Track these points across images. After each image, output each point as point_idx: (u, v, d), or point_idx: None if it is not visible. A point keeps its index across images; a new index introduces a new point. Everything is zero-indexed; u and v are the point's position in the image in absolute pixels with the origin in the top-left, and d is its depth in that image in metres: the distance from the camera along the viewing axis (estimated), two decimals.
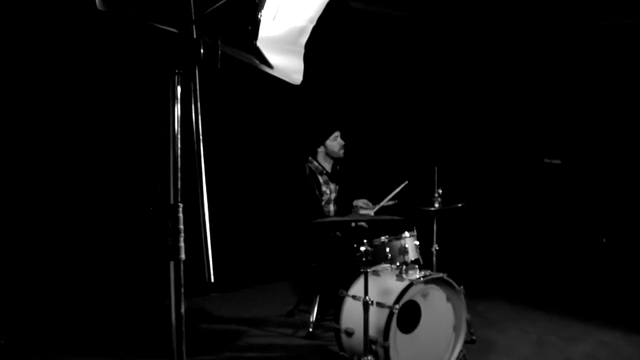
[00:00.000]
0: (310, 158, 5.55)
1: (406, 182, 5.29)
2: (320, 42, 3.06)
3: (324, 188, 5.50)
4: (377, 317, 4.09)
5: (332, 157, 5.54)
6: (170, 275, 1.99)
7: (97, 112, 5.51)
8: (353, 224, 4.46)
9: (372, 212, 5.40)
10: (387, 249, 4.53)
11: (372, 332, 4.05)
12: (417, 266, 4.48)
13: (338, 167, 5.67)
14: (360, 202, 5.50)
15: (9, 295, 5.10)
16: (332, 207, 5.59)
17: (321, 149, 5.51)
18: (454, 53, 8.03)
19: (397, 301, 4.04)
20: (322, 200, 5.48)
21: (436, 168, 5.12)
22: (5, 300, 5.07)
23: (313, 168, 5.51)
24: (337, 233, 5.40)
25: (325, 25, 2.71)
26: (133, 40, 5.17)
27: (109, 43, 5.36)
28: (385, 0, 7.16)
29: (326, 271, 5.36)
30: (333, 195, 5.59)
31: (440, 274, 4.34)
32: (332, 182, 5.59)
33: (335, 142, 5.49)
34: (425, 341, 4.28)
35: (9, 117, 5.08)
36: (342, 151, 5.52)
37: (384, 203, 5.38)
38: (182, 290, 1.99)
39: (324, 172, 5.52)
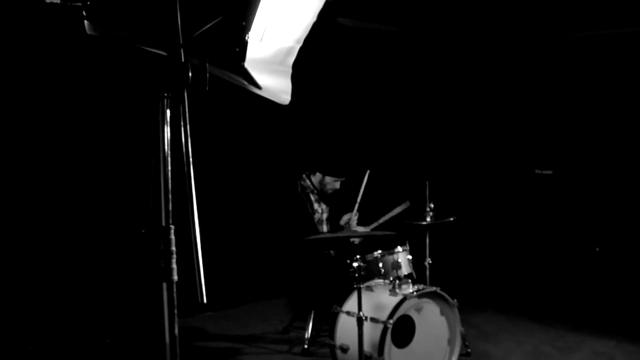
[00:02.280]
0: (303, 176, 5.57)
1: (408, 203, 5.29)
2: (310, 59, 3.09)
3: (315, 206, 5.52)
4: (371, 332, 4.10)
5: (321, 187, 5.55)
6: (163, 297, 2.00)
7: (87, 136, 5.52)
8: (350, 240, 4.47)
9: (368, 229, 5.43)
10: (380, 264, 4.55)
11: (366, 347, 4.05)
12: (410, 280, 4.51)
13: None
14: (345, 218, 5.51)
15: (3, 317, 5.08)
16: (325, 227, 5.60)
17: (319, 176, 5.51)
18: (443, 67, 8.08)
19: (390, 316, 4.05)
20: (314, 218, 5.49)
21: (427, 182, 5.15)
22: None
23: (305, 185, 5.53)
24: (331, 252, 5.41)
25: (314, 41, 2.74)
26: (122, 64, 5.19)
27: (100, 67, 5.39)
28: (374, 16, 7.20)
29: (320, 288, 5.37)
30: (325, 215, 5.61)
31: (434, 288, 4.36)
32: (323, 202, 5.60)
33: (334, 184, 5.50)
34: (420, 355, 4.29)
35: None
36: (331, 192, 5.55)
37: (381, 221, 5.39)
38: (176, 311, 2.00)
39: (315, 191, 5.54)
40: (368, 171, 5.21)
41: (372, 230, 5.43)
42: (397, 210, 5.34)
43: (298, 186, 5.50)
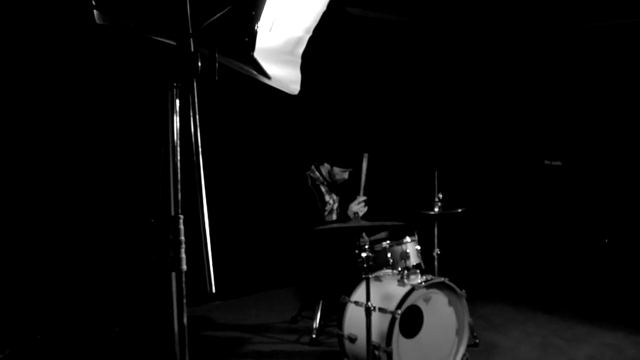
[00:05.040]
0: (312, 167, 5.54)
1: (387, 233, 5.32)
2: (319, 49, 3.09)
3: (326, 198, 5.50)
4: (379, 322, 4.10)
5: (330, 177, 5.54)
6: (172, 286, 2.01)
7: (97, 125, 5.53)
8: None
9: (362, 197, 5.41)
10: (389, 254, 4.55)
11: (374, 337, 4.05)
12: (418, 271, 4.50)
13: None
14: (352, 207, 5.44)
15: (13, 306, 5.11)
16: (334, 217, 5.59)
17: (327, 166, 5.49)
18: (453, 57, 8.05)
19: (399, 306, 4.05)
20: (325, 211, 5.47)
21: (436, 172, 5.14)
22: (9, 311, 5.08)
23: (315, 177, 5.50)
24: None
25: (322, 31, 2.73)
26: (132, 53, 5.19)
27: (109, 56, 5.39)
28: (383, 6, 7.18)
29: (329, 277, 5.37)
30: (335, 205, 5.60)
31: (442, 278, 4.35)
32: (333, 192, 5.59)
33: (342, 174, 5.48)
34: (428, 346, 4.29)
35: (7, 131, 5.10)
36: (340, 182, 5.53)
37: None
38: (184, 300, 2.01)
39: (325, 182, 5.52)
40: (366, 155, 5.18)
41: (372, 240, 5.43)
42: (380, 235, 5.35)
43: (308, 179, 5.47)
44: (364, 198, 5.32)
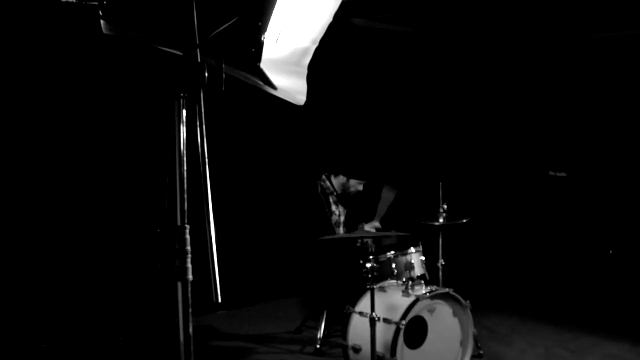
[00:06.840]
0: (324, 177, 5.56)
1: (395, 185, 5.36)
2: (325, 60, 3.10)
3: (333, 208, 5.51)
4: (384, 333, 4.10)
5: (344, 189, 5.56)
6: (178, 296, 2.01)
7: (104, 135, 5.55)
8: (359, 243, 4.48)
9: (376, 223, 5.45)
10: (394, 265, 4.55)
11: (379, 348, 4.05)
12: (423, 282, 4.50)
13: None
14: (366, 227, 5.54)
15: (18, 314, 5.12)
16: (341, 230, 5.60)
17: (342, 178, 5.51)
18: (458, 68, 8.05)
19: (403, 317, 4.05)
20: (331, 220, 5.49)
21: (441, 183, 5.14)
22: (14, 320, 5.09)
23: (325, 187, 5.52)
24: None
25: (329, 42, 2.74)
26: (139, 64, 5.21)
27: (116, 67, 5.42)
28: (388, 17, 7.19)
29: (333, 288, 5.37)
30: (342, 218, 5.60)
31: (447, 289, 4.35)
32: (341, 204, 5.60)
33: (358, 186, 5.53)
34: (432, 356, 4.29)
35: (15, 147, 5.12)
36: (354, 194, 5.57)
37: (381, 211, 5.42)
38: (190, 310, 2.02)
39: (335, 193, 5.53)
40: (391, 187, 5.23)
41: (379, 221, 5.48)
42: (388, 195, 5.36)
43: (318, 187, 5.50)
44: (379, 226, 5.39)
